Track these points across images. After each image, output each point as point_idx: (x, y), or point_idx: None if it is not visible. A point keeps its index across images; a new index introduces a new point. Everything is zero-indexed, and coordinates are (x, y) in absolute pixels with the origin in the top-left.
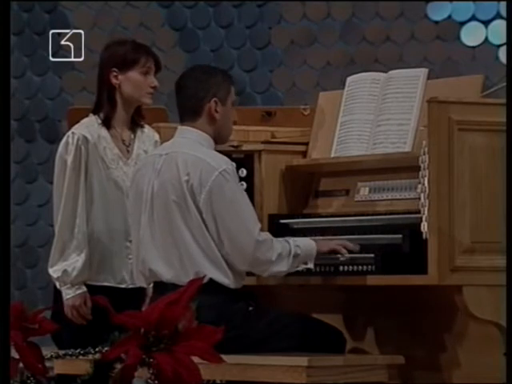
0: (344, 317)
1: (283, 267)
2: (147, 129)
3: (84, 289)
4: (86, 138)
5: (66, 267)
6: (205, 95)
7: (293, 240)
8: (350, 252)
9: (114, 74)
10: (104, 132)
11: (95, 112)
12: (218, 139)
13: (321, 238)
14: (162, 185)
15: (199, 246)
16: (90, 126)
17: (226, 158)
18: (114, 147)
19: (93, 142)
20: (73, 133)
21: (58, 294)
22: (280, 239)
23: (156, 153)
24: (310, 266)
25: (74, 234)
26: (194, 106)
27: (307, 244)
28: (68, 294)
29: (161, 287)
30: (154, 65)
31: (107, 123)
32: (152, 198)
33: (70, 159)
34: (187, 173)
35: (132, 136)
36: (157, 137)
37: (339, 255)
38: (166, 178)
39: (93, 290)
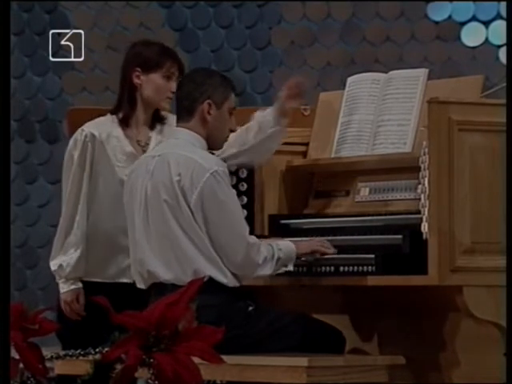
0: (344, 317)
1: (268, 271)
2: (170, 117)
3: (78, 285)
4: (93, 135)
5: (61, 262)
6: (199, 96)
7: (275, 244)
8: (325, 254)
9: (137, 73)
10: (117, 131)
11: (114, 112)
12: (210, 143)
13: (299, 239)
14: (155, 186)
15: (195, 246)
16: (101, 125)
17: (218, 159)
18: (126, 146)
19: (100, 140)
20: (82, 129)
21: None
22: (263, 243)
23: (149, 154)
24: (290, 268)
25: (73, 230)
26: (188, 105)
27: (288, 247)
28: (63, 288)
29: (160, 288)
30: (177, 70)
31: (125, 123)
32: (146, 199)
33: (76, 155)
34: (178, 173)
35: (150, 135)
36: None
37: (318, 255)
38: (159, 179)
39: (104, 287)
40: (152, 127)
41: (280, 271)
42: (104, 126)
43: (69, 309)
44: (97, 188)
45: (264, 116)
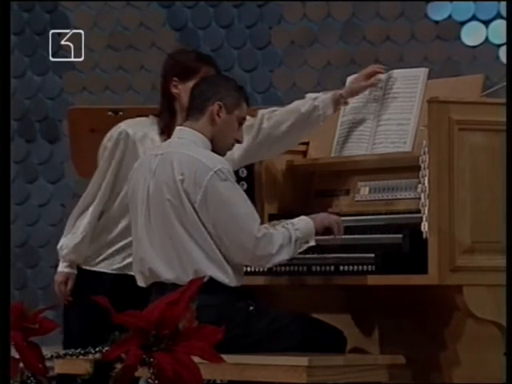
0: (344, 316)
1: (285, 256)
2: None
3: (72, 270)
4: (128, 133)
5: (63, 242)
6: (211, 96)
7: (291, 224)
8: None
9: (175, 83)
10: (154, 133)
11: (158, 115)
12: (215, 146)
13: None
14: (158, 185)
15: (197, 245)
16: (138, 124)
17: (221, 158)
18: None
19: (133, 140)
20: (119, 126)
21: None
22: (279, 227)
23: (152, 153)
24: (312, 243)
25: (83, 218)
26: (199, 104)
27: (306, 225)
28: (59, 267)
29: (161, 287)
30: None
31: (166, 131)
32: (148, 198)
33: (107, 150)
34: (181, 172)
35: None
36: None
37: (332, 236)
38: (161, 178)
39: (125, 279)
40: None
41: (301, 249)
42: (141, 126)
43: (57, 289)
44: (124, 185)
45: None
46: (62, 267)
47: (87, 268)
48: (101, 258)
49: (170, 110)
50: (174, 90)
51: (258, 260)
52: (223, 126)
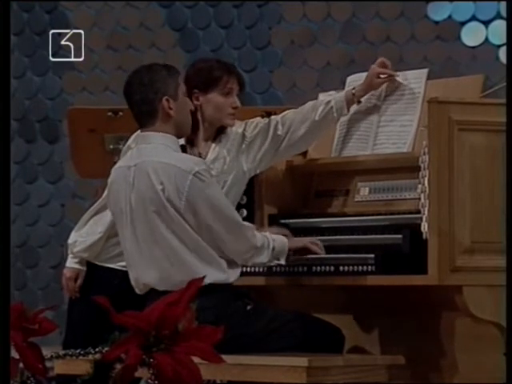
0: (344, 317)
1: (264, 258)
2: (229, 129)
3: (82, 266)
4: None
5: (78, 238)
6: (155, 96)
7: (268, 234)
8: (314, 253)
9: (196, 95)
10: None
11: None
12: (180, 133)
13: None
14: (139, 198)
15: (189, 250)
16: None
17: (195, 158)
18: None
19: None
20: None
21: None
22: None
23: (124, 165)
24: (282, 261)
25: (102, 217)
26: (148, 109)
27: (280, 240)
28: (68, 262)
29: (156, 292)
30: (235, 84)
31: (190, 143)
32: (131, 212)
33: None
34: (160, 181)
35: (213, 145)
36: (239, 128)
37: (309, 255)
38: (142, 191)
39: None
40: (214, 140)
41: (272, 264)
42: None
43: (65, 284)
44: None
45: (335, 98)
46: (72, 263)
47: (97, 263)
48: (112, 254)
49: (192, 122)
50: (196, 102)
51: (245, 251)
52: (179, 114)
